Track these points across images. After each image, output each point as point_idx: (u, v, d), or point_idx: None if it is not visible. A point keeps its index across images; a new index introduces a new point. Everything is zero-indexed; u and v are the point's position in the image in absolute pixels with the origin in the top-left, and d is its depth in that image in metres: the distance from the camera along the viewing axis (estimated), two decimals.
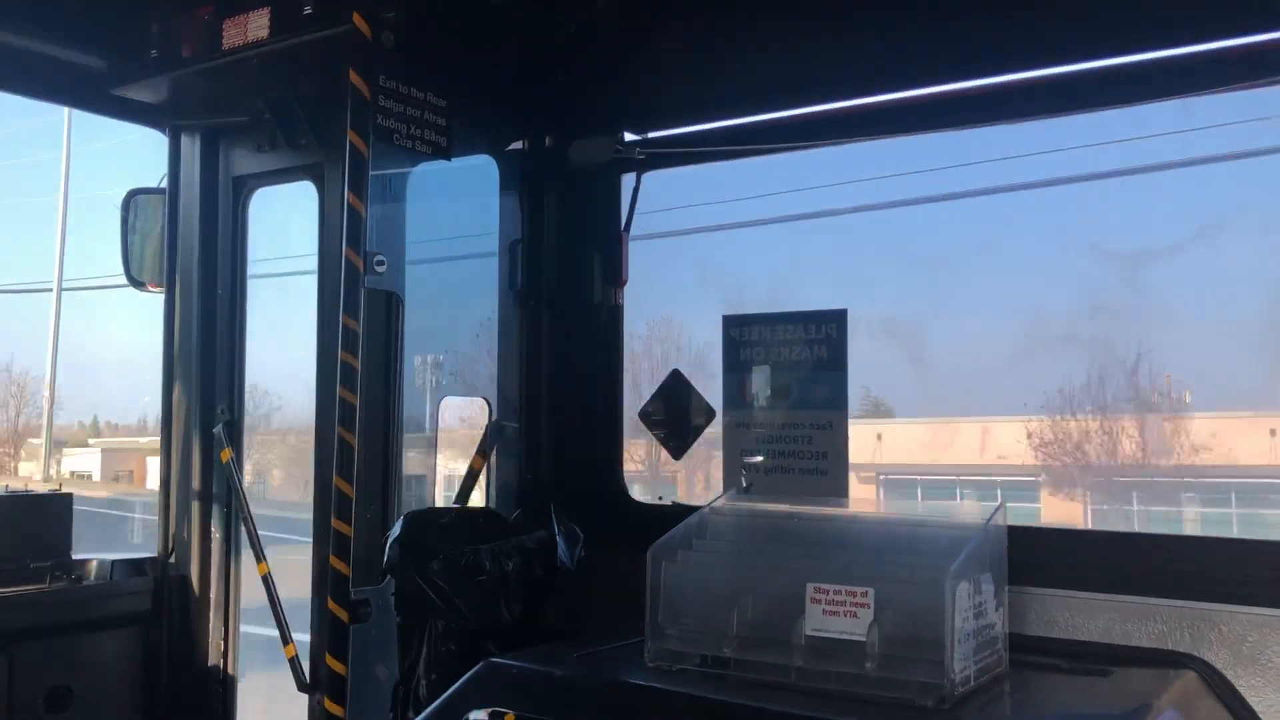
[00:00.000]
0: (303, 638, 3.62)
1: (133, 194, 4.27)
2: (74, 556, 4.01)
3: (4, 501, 3.95)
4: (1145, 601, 2.74)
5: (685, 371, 3.63)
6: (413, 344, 3.55)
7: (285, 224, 4.29)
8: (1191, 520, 11.39)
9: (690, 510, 2.96)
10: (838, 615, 2.38)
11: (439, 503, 3.82)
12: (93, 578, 4.01)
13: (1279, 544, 2.79)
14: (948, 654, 2.25)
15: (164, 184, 4.17)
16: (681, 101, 3.68)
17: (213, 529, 4.05)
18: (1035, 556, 2.76)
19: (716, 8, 3.53)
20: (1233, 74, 2.79)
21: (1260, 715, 2.56)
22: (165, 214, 4.14)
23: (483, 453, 3.78)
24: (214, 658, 4.01)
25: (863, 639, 2.33)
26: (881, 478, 12.42)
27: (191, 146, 4.09)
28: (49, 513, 4.04)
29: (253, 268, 4.12)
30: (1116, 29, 2.89)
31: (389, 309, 3.48)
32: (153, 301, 4.15)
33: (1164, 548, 2.91)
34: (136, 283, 4.30)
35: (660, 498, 3.66)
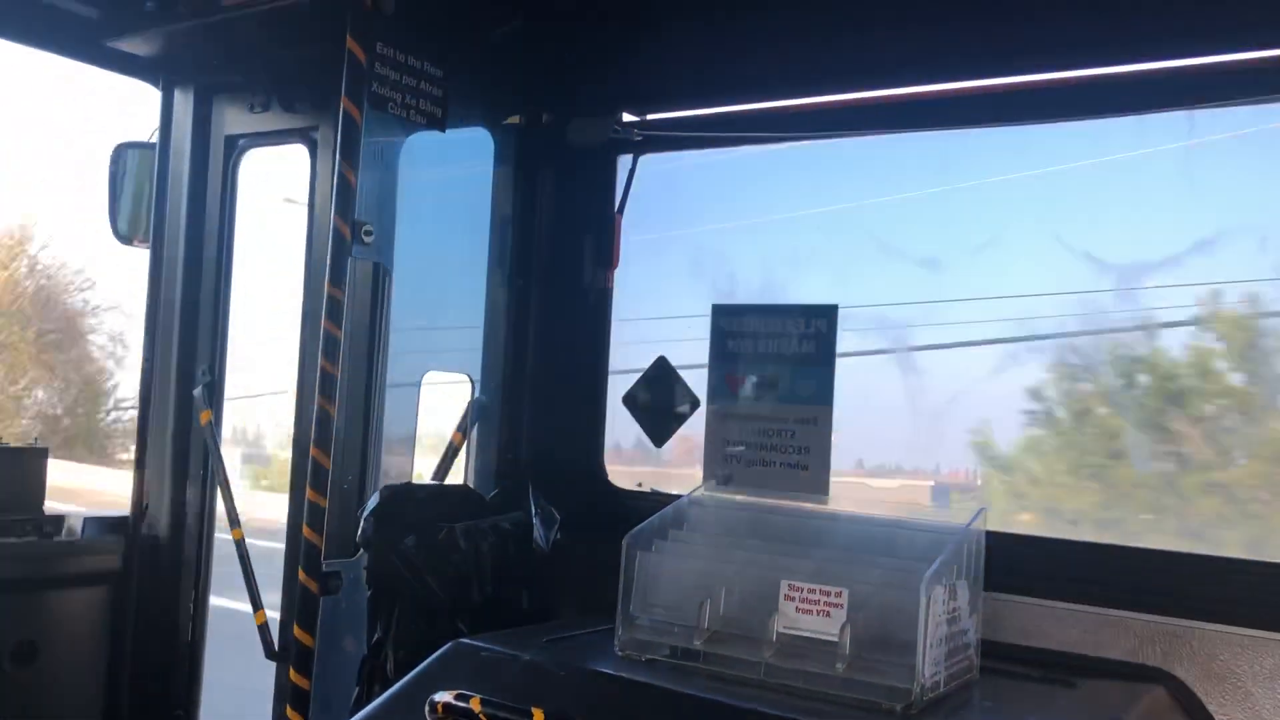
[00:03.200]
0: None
1: (122, 148, 4.21)
2: (46, 512, 3.98)
3: None
4: (1119, 614, 2.73)
5: None
6: (399, 317, 3.51)
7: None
8: None
9: (669, 499, 2.94)
10: (811, 614, 2.37)
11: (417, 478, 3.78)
12: (64, 534, 3.98)
13: (1255, 563, 2.78)
14: (919, 659, 2.24)
15: (155, 139, 4.12)
16: (683, 84, 3.63)
17: (188, 492, 4.01)
18: (1013, 563, 2.74)
19: None
20: (1240, 88, 2.76)
21: None
22: (155, 170, 4.08)
23: (463, 430, 3.75)
24: (183, 620, 3.98)
25: (834, 639, 2.32)
26: None
27: (185, 102, 4.03)
28: (23, 467, 4.00)
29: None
30: (1132, 35, 2.86)
31: (376, 280, 3.44)
32: None
33: (1141, 561, 2.89)
34: (122, 238, 4.25)
35: (639, 484, 3.63)
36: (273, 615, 3.55)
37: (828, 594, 2.35)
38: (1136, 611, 2.70)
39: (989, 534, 2.60)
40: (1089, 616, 2.75)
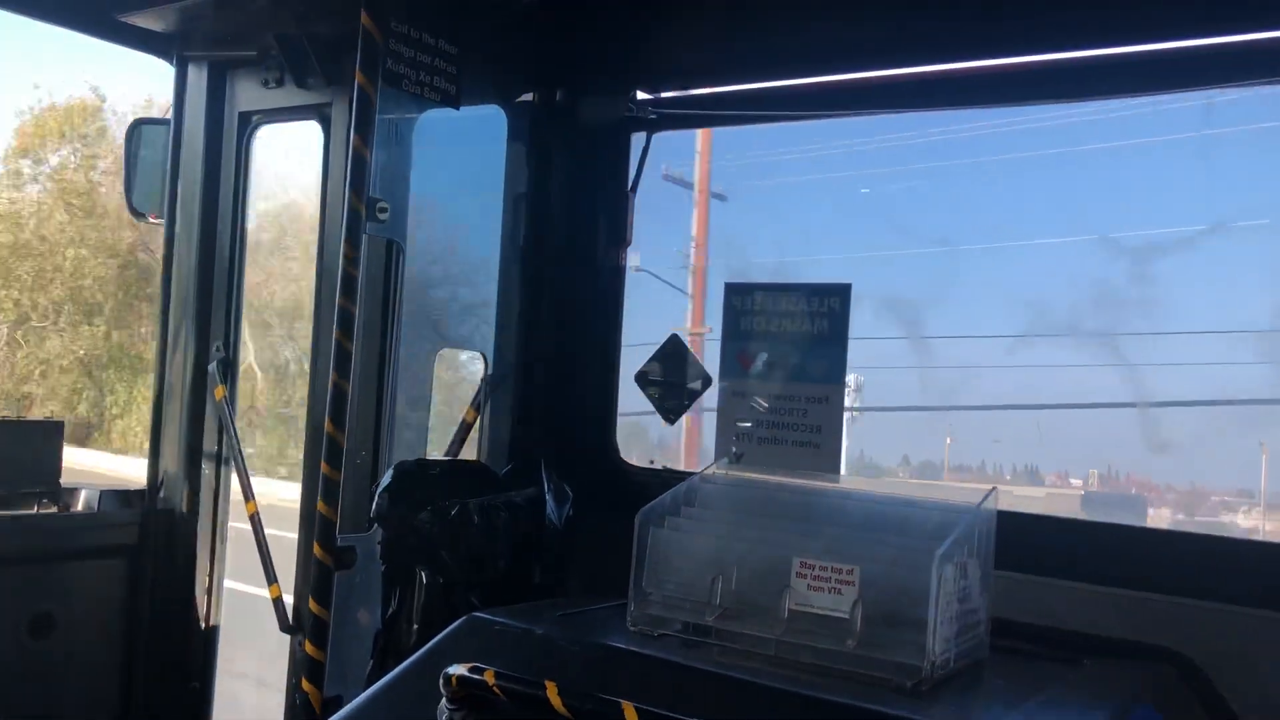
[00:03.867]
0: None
1: (137, 124, 4.23)
2: (63, 485, 4.02)
3: None
4: (1130, 594, 2.74)
5: None
6: (412, 292, 3.53)
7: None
8: None
9: (681, 476, 2.95)
10: (822, 591, 2.38)
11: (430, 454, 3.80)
12: (80, 507, 4.02)
13: (1265, 543, 2.79)
14: (929, 636, 2.25)
15: (169, 115, 4.13)
16: (698, 62, 3.62)
17: (203, 466, 4.05)
18: (1024, 542, 2.75)
19: None
20: (1249, 70, 2.75)
21: (1238, 715, 2.56)
22: (169, 145, 4.09)
23: (476, 406, 3.77)
24: (198, 593, 4.02)
25: (845, 616, 2.33)
26: None
27: (198, 78, 4.04)
28: (39, 440, 4.04)
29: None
30: (1146, 16, 2.84)
31: (389, 256, 3.45)
32: None
33: (1151, 541, 2.90)
34: (137, 213, 4.28)
35: (651, 461, 3.65)
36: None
37: (839, 571, 2.36)
38: (1147, 591, 2.71)
39: (1000, 513, 2.60)
40: (1099, 596, 2.76)
